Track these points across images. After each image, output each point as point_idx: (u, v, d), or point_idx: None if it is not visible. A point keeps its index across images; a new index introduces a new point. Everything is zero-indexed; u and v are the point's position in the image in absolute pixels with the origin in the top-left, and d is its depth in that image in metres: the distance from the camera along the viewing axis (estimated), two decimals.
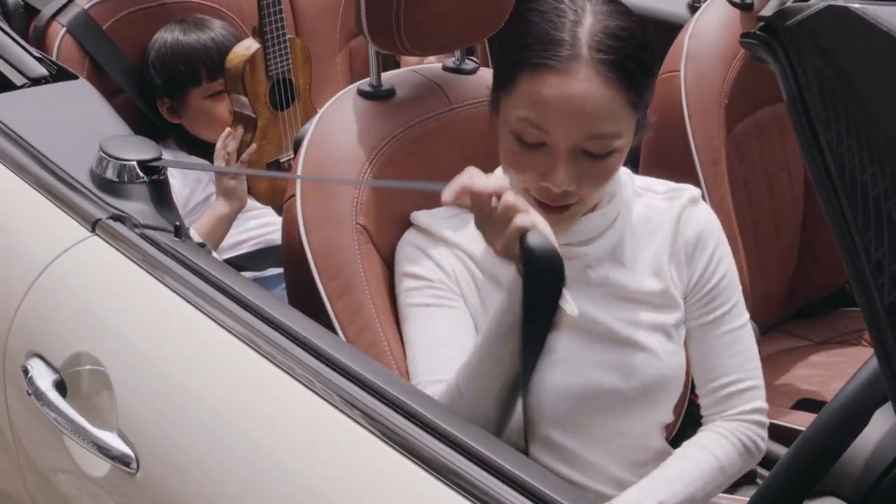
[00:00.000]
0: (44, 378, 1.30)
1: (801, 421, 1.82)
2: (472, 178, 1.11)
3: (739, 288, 1.42)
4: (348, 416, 1.04)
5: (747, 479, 1.70)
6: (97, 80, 2.00)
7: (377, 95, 1.46)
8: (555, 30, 1.21)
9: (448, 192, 1.10)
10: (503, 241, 1.11)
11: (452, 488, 0.94)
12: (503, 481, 0.92)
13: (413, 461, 0.98)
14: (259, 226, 2.14)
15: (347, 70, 2.46)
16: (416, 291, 1.34)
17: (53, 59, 1.93)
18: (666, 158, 1.83)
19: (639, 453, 1.40)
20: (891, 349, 0.77)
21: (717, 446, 1.37)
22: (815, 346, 2.21)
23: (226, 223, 2.00)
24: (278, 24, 2.02)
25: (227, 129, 2.02)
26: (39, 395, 1.29)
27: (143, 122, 2.08)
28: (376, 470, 1.02)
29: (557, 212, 1.25)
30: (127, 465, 1.19)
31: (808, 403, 1.93)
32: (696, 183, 1.81)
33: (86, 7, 2.08)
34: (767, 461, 1.71)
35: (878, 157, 0.76)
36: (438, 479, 0.96)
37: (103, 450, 1.21)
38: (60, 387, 1.30)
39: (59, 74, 1.81)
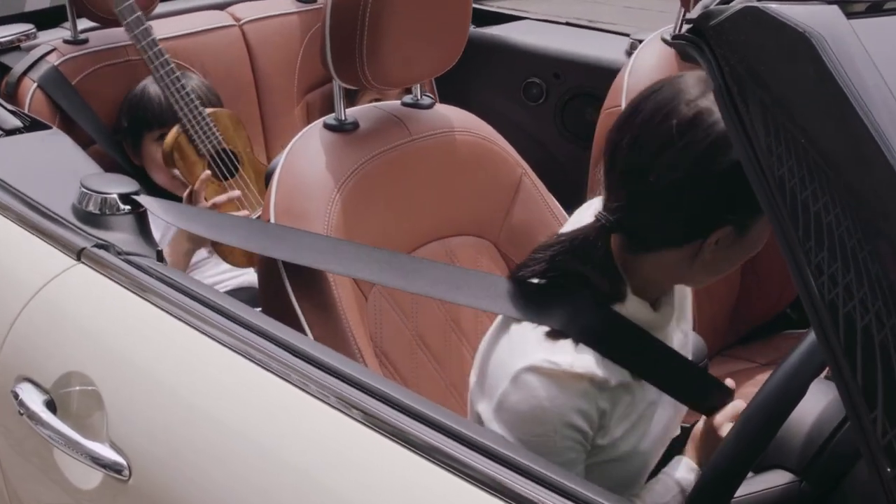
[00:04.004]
0: (34, 400, 1.37)
1: None
2: None
3: None
4: (342, 412, 1.11)
5: None
6: (68, 132, 2.08)
7: (342, 128, 1.56)
8: None
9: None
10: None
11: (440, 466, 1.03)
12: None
13: (399, 443, 1.06)
14: (229, 269, 2.22)
15: (305, 121, 2.57)
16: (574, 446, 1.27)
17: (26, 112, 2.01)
18: None
19: None
20: (835, 347, 0.83)
21: None
22: (760, 367, 2.32)
23: (187, 258, 2.07)
24: (191, 107, 2.08)
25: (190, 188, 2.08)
26: (31, 415, 1.35)
27: (114, 171, 2.16)
28: (374, 464, 1.09)
29: None
30: (119, 472, 1.25)
31: None
32: None
33: (56, 64, 2.18)
34: None
35: (789, 138, 0.87)
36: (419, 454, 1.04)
37: (95, 460, 1.27)
38: (50, 407, 1.36)
39: (33, 125, 1.89)
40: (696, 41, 0.90)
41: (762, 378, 2.26)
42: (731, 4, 0.89)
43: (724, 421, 1.28)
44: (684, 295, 1.45)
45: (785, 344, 2.39)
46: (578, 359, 1.22)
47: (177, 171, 2.13)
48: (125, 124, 2.21)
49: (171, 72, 2.05)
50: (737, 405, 1.29)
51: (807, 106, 0.86)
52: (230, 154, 2.15)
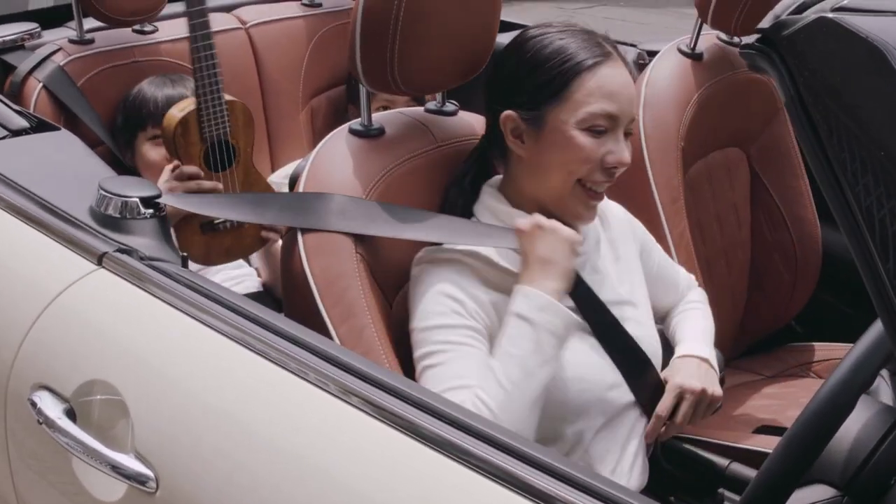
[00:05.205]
0: (52, 408, 1.33)
1: (763, 443, 1.91)
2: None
3: None
4: (367, 412, 1.09)
5: (714, 501, 1.79)
6: (74, 133, 2.04)
7: (368, 134, 1.54)
8: (587, 39, 1.44)
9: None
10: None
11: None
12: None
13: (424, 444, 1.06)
14: (224, 280, 2.17)
15: (309, 125, 2.55)
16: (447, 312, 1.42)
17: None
18: (628, 196, 1.93)
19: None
20: None
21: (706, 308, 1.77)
22: (767, 379, 2.31)
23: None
24: (213, 87, 1.98)
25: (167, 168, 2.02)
26: (50, 423, 1.31)
27: (120, 172, 2.12)
28: (396, 461, 1.08)
29: (600, 199, 1.48)
30: (143, 483, 1.22)
31: (766, 429, 2.03)
32: (657, 218, 1.92)
33: (61, 64, 2.14)
34: (733, 482, 1.80)
35: (864, 151, 0.86)
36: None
37: (119, 470, 1.24)
38: (70, 416, 1.33)
39: (40, 126, 1.86)
40: (766, 51, 0.89)
41: (769, 390, 2.28)
42: (803, 15, 0.87)
43: (526, 225, 1.42)
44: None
45: (790, 357, 2.39)
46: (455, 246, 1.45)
47: (161, 151, 2.07)
48: (120, 122, 2.18)
49: (210, 46, 1.96)
50: (534, 218, 1.43)
51: (882, 119, 0.85)
52: (231, 147, 2.05)
